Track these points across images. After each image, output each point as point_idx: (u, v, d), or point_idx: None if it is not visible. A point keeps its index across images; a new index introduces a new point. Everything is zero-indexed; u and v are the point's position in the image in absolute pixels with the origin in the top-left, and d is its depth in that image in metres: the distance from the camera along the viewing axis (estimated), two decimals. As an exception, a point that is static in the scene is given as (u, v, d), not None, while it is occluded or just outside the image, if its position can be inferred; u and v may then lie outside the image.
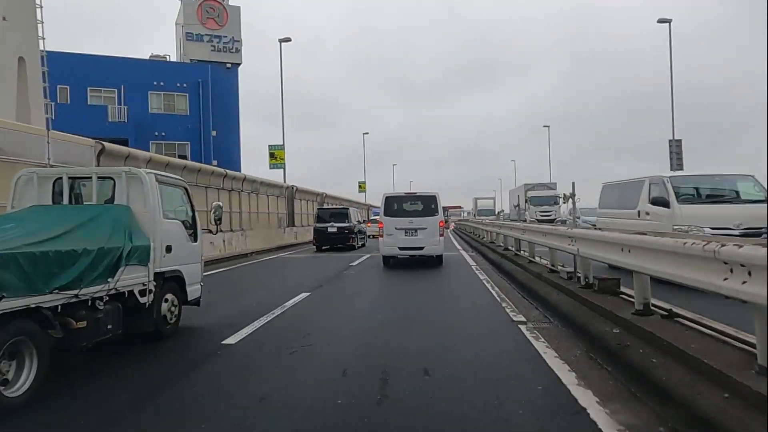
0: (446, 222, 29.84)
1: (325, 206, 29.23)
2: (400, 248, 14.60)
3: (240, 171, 31.73)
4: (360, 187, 56.34)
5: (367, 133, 51.99)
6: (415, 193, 15.85)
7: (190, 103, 37.36)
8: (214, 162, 37.25)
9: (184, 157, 33.19)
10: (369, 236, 37.82)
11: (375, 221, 39.94)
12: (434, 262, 15.05)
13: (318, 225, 24.75)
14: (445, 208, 18.57)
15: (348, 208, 25.41)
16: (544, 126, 54.73)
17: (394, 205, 14.90)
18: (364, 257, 18.49)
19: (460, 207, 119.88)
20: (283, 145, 27.74)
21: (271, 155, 28.09)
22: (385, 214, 14.70)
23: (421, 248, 14.47)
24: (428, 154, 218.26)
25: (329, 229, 24.33)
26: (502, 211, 58.51)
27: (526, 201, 40.49)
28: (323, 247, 24.23)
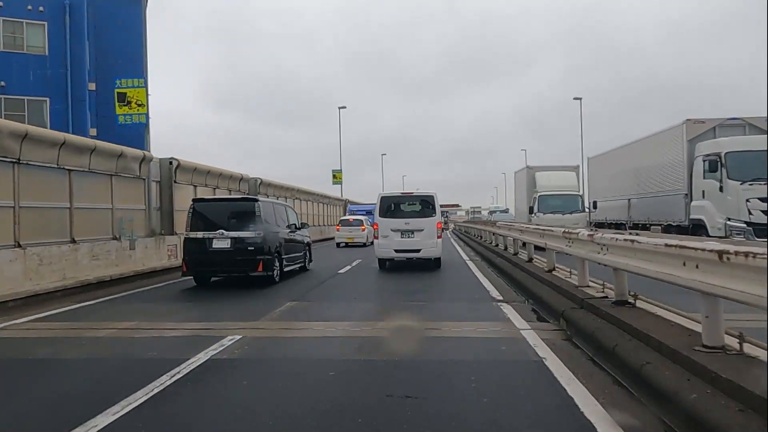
0: (445, 223, 22.42)
1: (208, 197, 15.26)
2: (396, 251, 13.97)
3: (149, 151, 18.42)
4: (335, 177, 43.11)
5: (344, 108, 38.49)
6: (411, 192, 15.60)
7: (50, 38, 23.81)
8: (93, 131, 23.91)
9: (39, 125, 20.17)
10: (341, 244, 27.03)
11: (350, 224, 27.20)
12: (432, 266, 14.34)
13: (193, 235, 11.60)
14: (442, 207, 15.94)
15: (256, 201, 12.11)
16: (575, 98, 41.43)
17: (390, 206, 14.26)
18: (189, 365, 5.17)
19: (457, 205, 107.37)
20: (146, 83, 14.59)
21: (121, 98, 14.84)
22: (381, 215, 14.14)
23: (418, 251, 13.85)
24: (422, 150, 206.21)
25: (214, 244, 11.25)
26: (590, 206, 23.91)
27: (718, 166, 14.48)
28: (212, 279, 12.27)
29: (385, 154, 69.78)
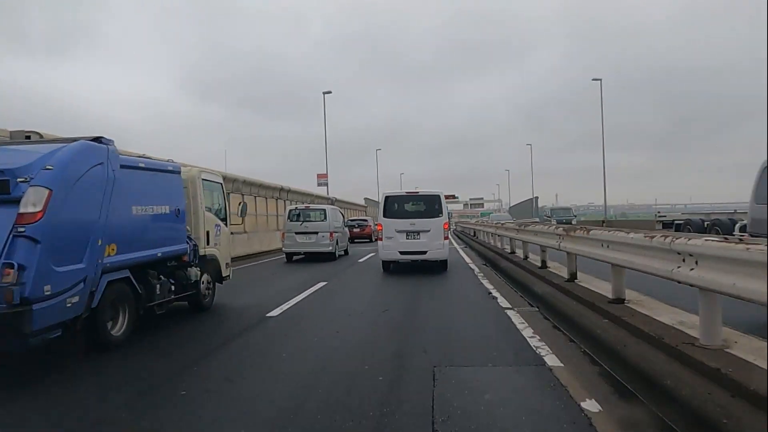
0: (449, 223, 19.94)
1: None
2: (401, 252, 13.57)
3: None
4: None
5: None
6: (416, 192, 14.82)
7: None
8: None
9: None
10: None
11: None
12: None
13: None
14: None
15: None
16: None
17: (395, 206, 13.95)
18: None
19: (453, 197, 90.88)
20: None
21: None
22: (385, 216, 13.76)
23: (424, 252, 13.48)
24: (416, 142, 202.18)
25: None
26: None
27: None
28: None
29: (330, 92, 43.29)
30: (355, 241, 29.89)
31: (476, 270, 14.07)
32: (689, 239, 4.46)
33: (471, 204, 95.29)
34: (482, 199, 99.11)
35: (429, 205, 13.82)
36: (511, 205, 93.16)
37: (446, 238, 13.74)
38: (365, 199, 67.08)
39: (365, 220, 35.21)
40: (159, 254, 7.00)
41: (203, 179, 8.79)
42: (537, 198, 68.45)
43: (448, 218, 15.01)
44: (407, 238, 13.50)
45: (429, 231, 13.43)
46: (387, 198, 14.05)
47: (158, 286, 6.99)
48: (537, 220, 55.40)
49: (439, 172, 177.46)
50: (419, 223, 13.51)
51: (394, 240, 13.53)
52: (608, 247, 6.43)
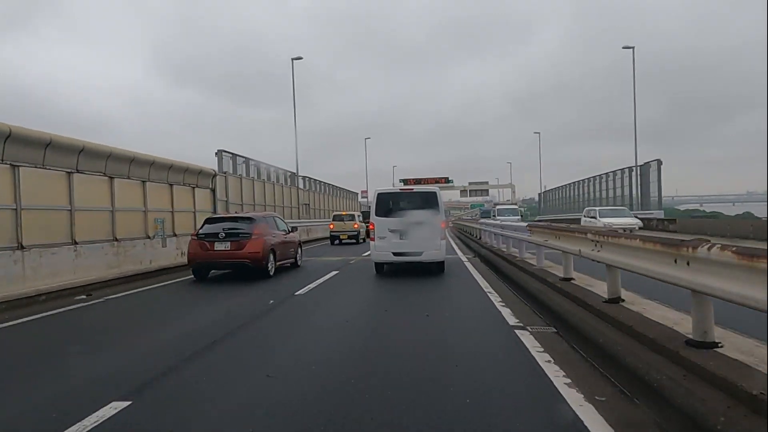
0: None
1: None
2: (395, 254, 12.90)
3: None
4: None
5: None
6: (411, 189, 14.57)
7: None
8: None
9: None
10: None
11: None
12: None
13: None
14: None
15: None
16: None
17: (388, 203, 13.15)
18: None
19: (446, 180, 67.90)
20: None
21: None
22: (377, 214, 13.07)
23: (420, 254, 12.79)
24: (408, 132, 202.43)
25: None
26: None
27: None
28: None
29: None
30: (227, 273, 13.55)
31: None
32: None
33: (471, 191, 72.61)
34: (486, 183, 76.09)
35: (424, 203, 13.10)
36: (547, 188, 69.78)
37: (443, 238, 13.27)
38: (221, 150, 25.14)
39: (250, 220, 13.60)
40: None
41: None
42: (660, 163, 36.03)
43: (445, 216, 14.45)
44: (401, 239, 12.85)
45: (425, 231, 12.74)
46: (379, 195, 13.41)
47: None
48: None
49: (431, 162, 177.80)
50: (414, 223, 12.82)
51: (387, 240, 12.89)
52: None
